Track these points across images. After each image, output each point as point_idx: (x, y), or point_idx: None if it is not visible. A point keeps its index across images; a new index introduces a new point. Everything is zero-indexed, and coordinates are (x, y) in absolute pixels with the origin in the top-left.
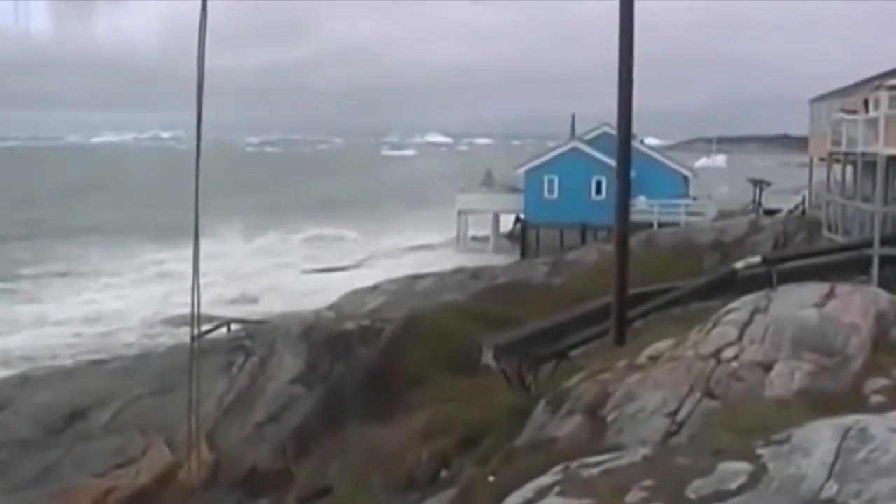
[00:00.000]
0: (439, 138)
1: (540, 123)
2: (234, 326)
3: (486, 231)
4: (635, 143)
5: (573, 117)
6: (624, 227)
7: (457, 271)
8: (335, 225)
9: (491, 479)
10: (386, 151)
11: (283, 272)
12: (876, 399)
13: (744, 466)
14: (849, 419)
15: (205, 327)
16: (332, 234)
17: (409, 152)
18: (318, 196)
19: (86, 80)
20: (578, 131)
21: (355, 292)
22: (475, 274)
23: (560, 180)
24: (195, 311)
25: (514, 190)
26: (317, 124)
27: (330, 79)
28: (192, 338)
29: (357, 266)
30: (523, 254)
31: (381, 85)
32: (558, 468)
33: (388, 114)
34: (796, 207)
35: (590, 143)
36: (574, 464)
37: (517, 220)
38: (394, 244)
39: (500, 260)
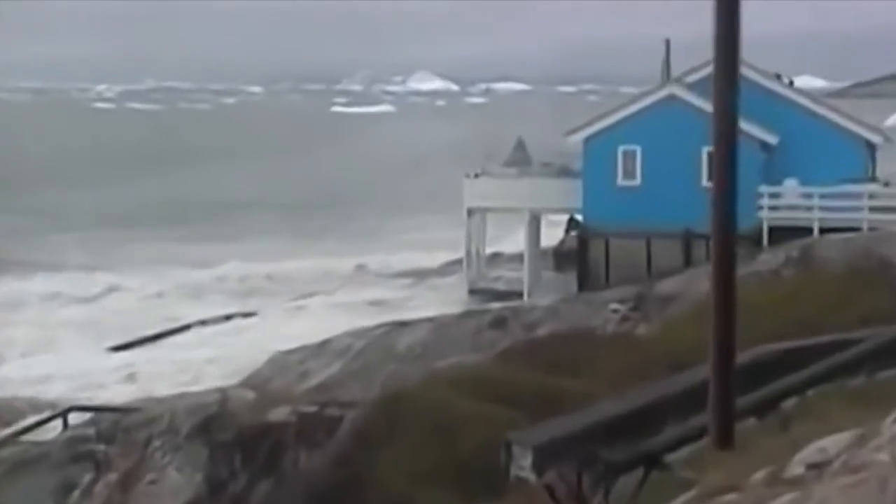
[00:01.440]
0: (435, 84)
1: (606, 58)
2: (76, 417)
3: (517, 246)
4: (773, 86)
5: (667, 45)
6: (727, 236)
7: (467, 315)
8: (254, 240)
9: None
10: (341, 108)
11: (165, 321)
12: None
13: None
14: None
15: (23, 423)
16: (250, 255)
17: (383, 108)
18: (222, 189)
19: None
20: (676, 69)
21: (291, 354)
22: (499, 319)
23: (646, 154)
24: None
25: (563, 172)
26: (221, 67)
27: None
28: None
29: (292, 311)
30: (582, 283)
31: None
32: None
33: (344, 48)
34: None
35: (696, 88)
36: None
37: (570, 224)
38: (354, 273)
39: (541, 295)
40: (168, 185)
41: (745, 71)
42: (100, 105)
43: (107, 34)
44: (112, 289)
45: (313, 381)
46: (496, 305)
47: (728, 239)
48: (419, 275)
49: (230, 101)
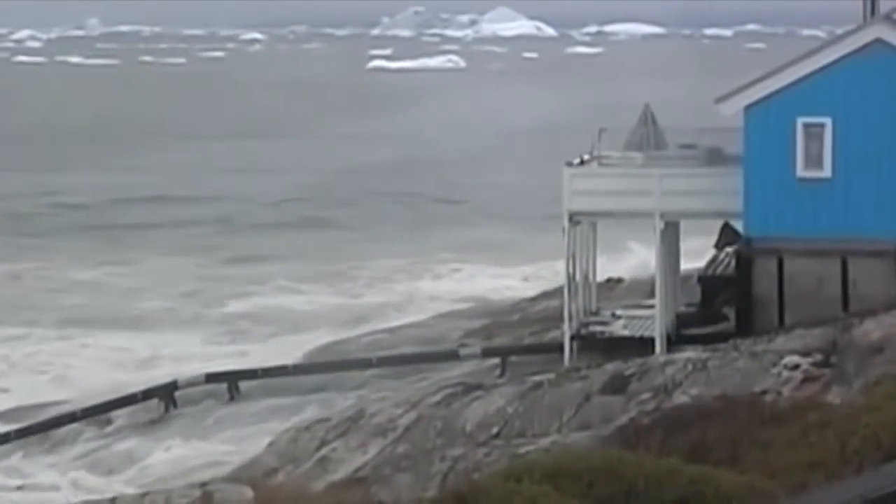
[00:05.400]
0: (521, 26)
1: None
2: None
3: (644, 268)
4: None
5: None
6: None
7: (569, 374)
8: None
9: None
10: (381, 62)
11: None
12: None
13: None
14: None
15: None
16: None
17: (443, 62)
18: (199, 188)
19: None
20: (886, 2)
21: (303, 431)
22: (617, 380)
23: (839, 130)
24: None
25: (714, 158)
26: (202, 3)
27: None
28: None
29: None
30: (742, 324)
31: None
32: None
33: None
34: None
35: None
36: None
37: (725, 235)
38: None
39: (680, 343)
40: (118, 181)
41: None
42: (21, 59)
43: None
44: None
45: (339, 472)
46: (612, 359)
47: None
48: (493, 315)
49: (215, 53)
